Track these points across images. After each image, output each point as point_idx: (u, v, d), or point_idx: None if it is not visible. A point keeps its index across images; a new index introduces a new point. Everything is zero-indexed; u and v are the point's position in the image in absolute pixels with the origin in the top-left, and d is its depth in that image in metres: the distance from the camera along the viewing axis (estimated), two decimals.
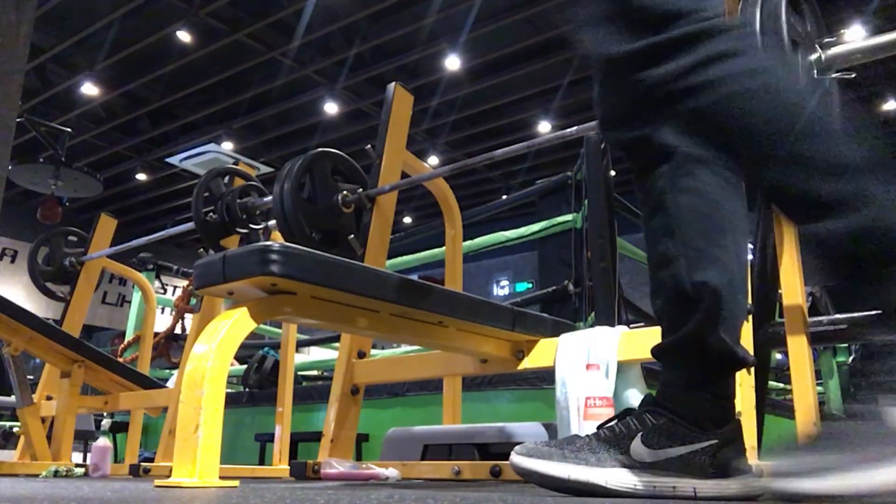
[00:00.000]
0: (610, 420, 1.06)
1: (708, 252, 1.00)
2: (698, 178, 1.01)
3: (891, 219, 0.89)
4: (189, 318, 4.43)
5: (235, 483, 1.20)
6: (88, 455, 4.12)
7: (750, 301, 1.42)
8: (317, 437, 2.46)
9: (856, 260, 0.92)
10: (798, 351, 1.71)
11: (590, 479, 0.97)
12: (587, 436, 1.03)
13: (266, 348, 4.20)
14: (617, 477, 0.98)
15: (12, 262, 12.53)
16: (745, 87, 0.93)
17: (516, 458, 1.01)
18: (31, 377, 3.45)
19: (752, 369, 1.38)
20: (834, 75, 1.46)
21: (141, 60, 8.96)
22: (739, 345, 1.04)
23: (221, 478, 1.17)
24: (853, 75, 1.45)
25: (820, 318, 1.80)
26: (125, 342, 4.61)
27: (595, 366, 1.57)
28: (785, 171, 0.93)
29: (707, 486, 0.97)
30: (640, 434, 1.00)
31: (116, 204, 12.62)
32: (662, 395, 1.04)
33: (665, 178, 1.02)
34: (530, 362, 1.81)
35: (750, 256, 1.51)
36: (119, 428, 3.94)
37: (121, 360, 3.97)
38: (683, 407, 1.01)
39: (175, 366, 4.76)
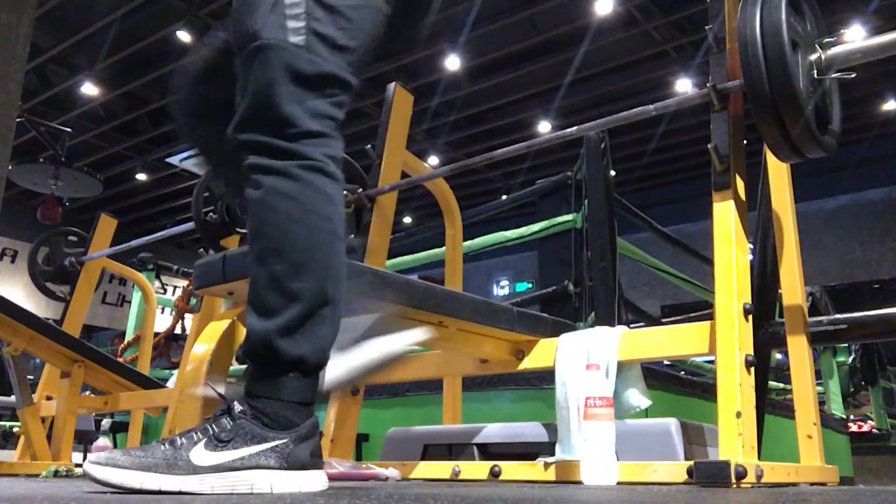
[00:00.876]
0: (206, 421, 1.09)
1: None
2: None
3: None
4: (189, 318, 4.43)
5: None
6: (88, 455, 4.12)
7: (750, 301, 1.43)
8: None
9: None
10: (798, 351, 1.71)
11: (162, 487, 0.99)
12: (167, 439, 1.05)
13: None
14: (191, 483, 1.00)
15: (12, 262, 12.53)
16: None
17: (91, 467, 1.00)
18: (31, 377, 3.45)
19: (752, 369, 1.38)
20: (834, 75, 1.46)
21: (141, 60, 8.96)
22: (310, 346, 1.09)
23: None
24: (853, 75, 1.45)
25: (820, 318, 1.81)
26: (125, 342, 4.61)
27: (595, 366, 1.56)
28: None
29: (280, 480, 1.04)
30: (207, 438, 1.04)
31: (116, 204, 12.62)
32: (247, 393, 1.09)
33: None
34: (530, 362, 1.80)
35: (750, 257, 1.51)
36: (119, 428, 3.94)
37: (121, 360, 3.97)
38: (258, 408, 1.07)
39: (175, 366, 4.75)
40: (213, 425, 1.05)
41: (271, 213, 1.09)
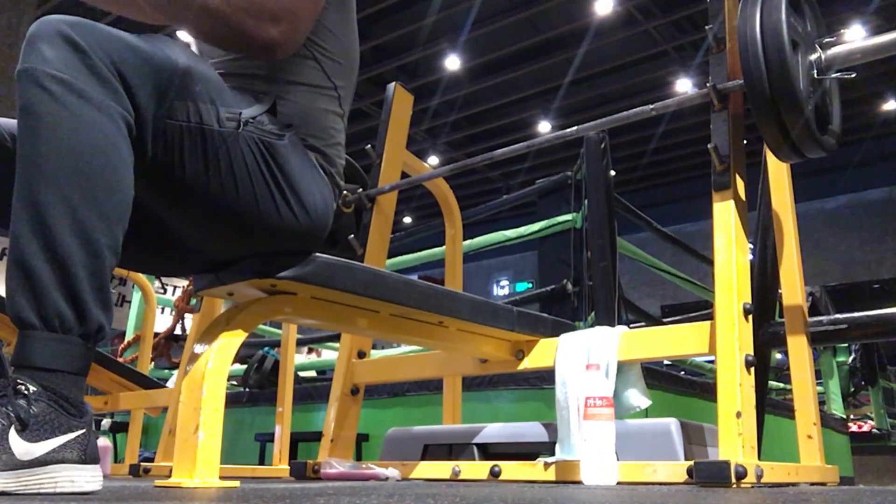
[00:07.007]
0: None
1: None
2: None
3: None
4: (189, 318, 4.43)
5: (235, 483, 1.20)
6: None
7: (750, 301, 1.43)
8: (317, 437, 2.46)
9: None
10: (798, 351, 1.71)
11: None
12: None
13: (266, 348, 4.20)
14: (11, 480, 0.88)
15: None
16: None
17: None
18: None
19: (752, 369, 1.38)
20: (834, 75, 1.46)
21: None
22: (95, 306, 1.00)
23: (221, 478, 1.17)
24: (853, 75, 1.45)
25: (820, 318, 1.80)
26: (125, 342, 4.61)
27: (595, 366, 1.56)
28: None
29: (83, 476, 0.95)
30: (12, 424, 0.90)
31: None
32: (31, 364, 0.93)
33: None
34: (530, 362, 1.80)
35: (750, 257, 1.51)
36: (119, 428, 3.94)
37: (121, 360, 3.97)
38: (54, 388, 0.93)
39: (175, 366, 4.75)
40: (8, 407, 0.90)
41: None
